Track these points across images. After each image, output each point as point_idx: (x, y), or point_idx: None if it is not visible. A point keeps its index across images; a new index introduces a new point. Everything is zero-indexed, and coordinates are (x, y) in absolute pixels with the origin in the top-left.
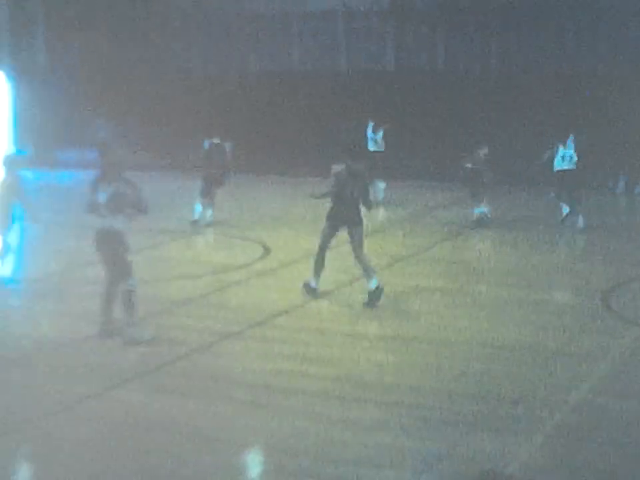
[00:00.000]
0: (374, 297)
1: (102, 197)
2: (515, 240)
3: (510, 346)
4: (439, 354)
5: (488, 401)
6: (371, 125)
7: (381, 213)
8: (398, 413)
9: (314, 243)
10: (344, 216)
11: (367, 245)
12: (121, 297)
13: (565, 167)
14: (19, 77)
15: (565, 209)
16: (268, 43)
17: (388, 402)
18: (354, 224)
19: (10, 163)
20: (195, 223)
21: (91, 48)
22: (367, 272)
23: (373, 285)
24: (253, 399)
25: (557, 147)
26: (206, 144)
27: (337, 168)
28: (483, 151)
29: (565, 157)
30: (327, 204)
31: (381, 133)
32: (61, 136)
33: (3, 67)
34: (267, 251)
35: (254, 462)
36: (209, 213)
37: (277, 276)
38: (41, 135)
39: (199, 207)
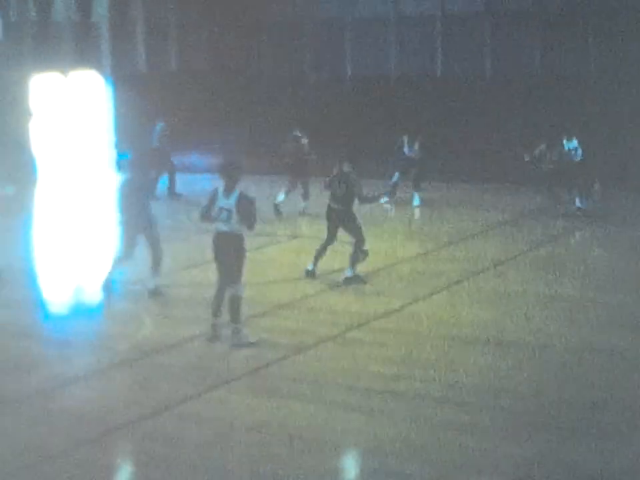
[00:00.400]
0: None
1: (225, 203)
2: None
3: (608, 350)
4: (536, 358)
5: (586, 406)
6: (405, 139)
7: (478, 216)
8: (498, 416)
9: (412, 248)
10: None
11: (468, 247)
12: (228, 301)
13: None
14: (119, 81)
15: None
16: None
17: (488, 406)
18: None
19: (133, 164)
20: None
21: (190, 53)
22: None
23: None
24: (352, 401)
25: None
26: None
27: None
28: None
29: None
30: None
31: (416, 146)
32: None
33: (102, 71)
34: (364, 254)
35: (353, 464)
36: (303, 204)
37: (374, 280)
38: (139, 139)
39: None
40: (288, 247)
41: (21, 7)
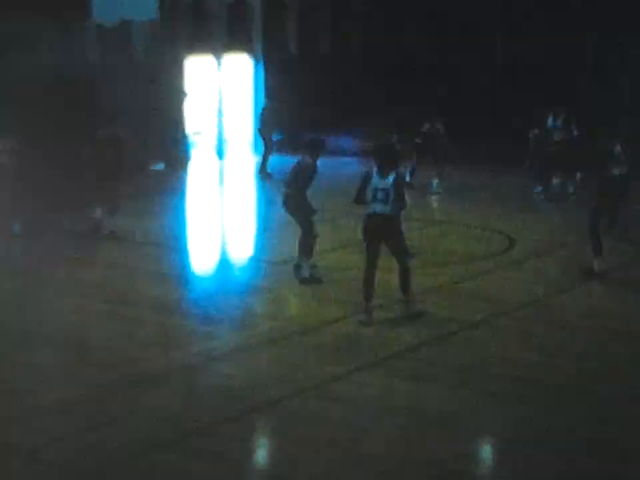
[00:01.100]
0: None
1: (382, 184)
2: None
3: None
4: None
5: None
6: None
7: None
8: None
9: (558, 234)
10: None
11: None
12: (400, 274)
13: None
14: (270, 64)
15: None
16: None
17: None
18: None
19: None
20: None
21: (343, 37)
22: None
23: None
24: (498, 389)
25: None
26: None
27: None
28: None
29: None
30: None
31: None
32: (306, 122)
33: (254, 54)
34: (512, 242)
35: (497, 450)
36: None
37: (522, 268)
38: (289, 122)
39: None
40: (433, 233)
41: None
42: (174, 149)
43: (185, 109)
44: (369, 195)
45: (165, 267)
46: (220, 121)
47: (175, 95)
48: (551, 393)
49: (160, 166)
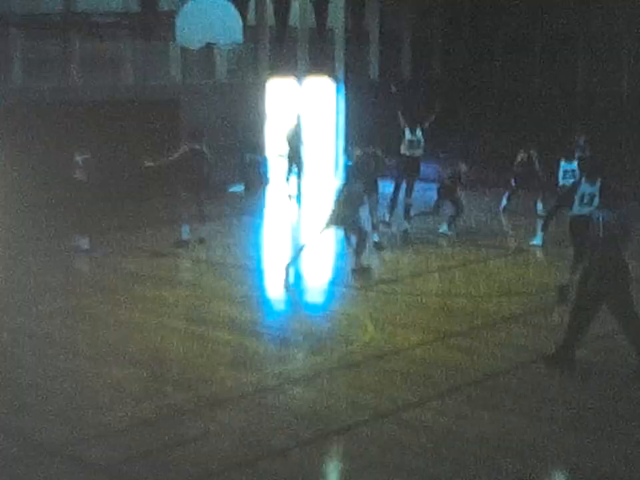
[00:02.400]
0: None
1: (590, 189)
2: None
3: None
4: None
5: None
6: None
7: None
8: None
9: None
10: None
11: None
12: None
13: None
14: (351, 88)
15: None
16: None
17: None
18: None
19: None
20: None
21: (422, 61)
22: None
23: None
24: (573, 420)
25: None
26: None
27: None
28: None
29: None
30: None
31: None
32: (389, 146)
33: (335, 77)
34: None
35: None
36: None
37: None
38: (370, 145)
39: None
40: (511, 261)
41: (260, 11)
42: (253, 171)
43: (266, 130)
44: (578, 198)
45: (242, 288)
46: (300, 143)
47: (257, 116)
48: (625, 424)
49: (239, 188)
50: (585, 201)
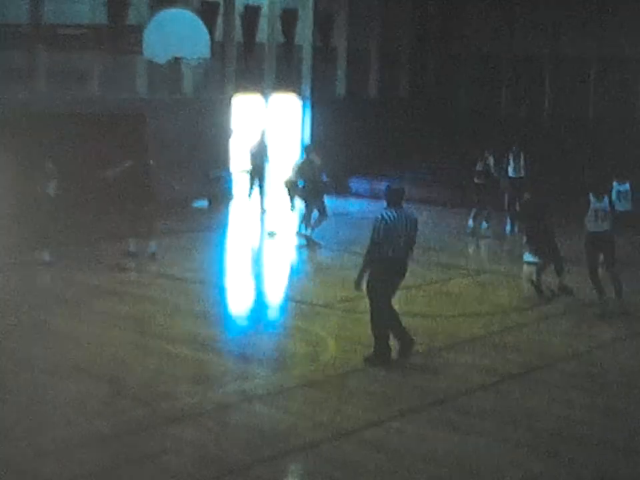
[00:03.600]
0: None
1: (600, 206)
2: None
3: None
4: None
5: None
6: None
7: None
8: None
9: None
10: None
11: None
12: (613, 279)
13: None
14: (317, 105)
15: None
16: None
17: None
18: None
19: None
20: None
21: (390, 79)
22: None
23: None
24: (534, 443)
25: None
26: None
27: None
28: None
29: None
30: None
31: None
32: (353, 166)
33: (302, 94)
34: (554, 294)
35: None
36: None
37: (562, 321)
38: (334, 164)
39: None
40: (473, 282)
41: (228, 27)
42: (217, 186)
43: (231, 146)
44: (592, 216)
45: (203, 304)
46: (265, 159)
47: (222, 132)
48: (585, 450)
49: (203, 203)
50: (600, 216)
